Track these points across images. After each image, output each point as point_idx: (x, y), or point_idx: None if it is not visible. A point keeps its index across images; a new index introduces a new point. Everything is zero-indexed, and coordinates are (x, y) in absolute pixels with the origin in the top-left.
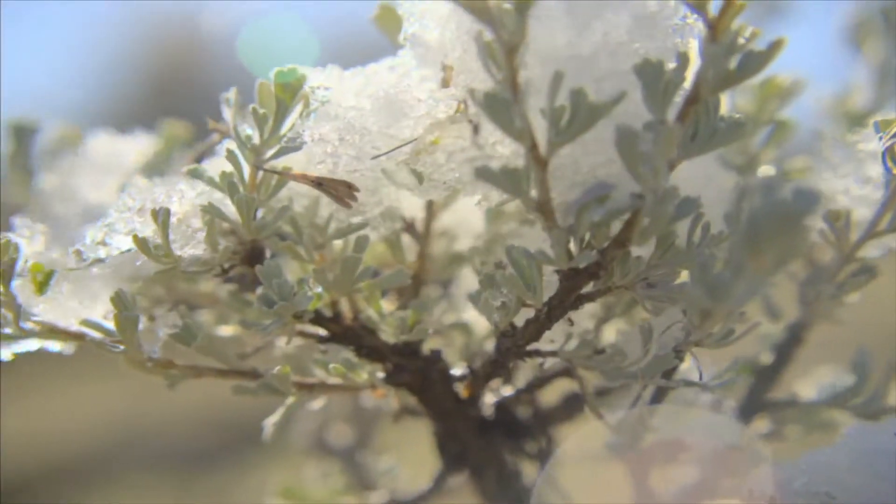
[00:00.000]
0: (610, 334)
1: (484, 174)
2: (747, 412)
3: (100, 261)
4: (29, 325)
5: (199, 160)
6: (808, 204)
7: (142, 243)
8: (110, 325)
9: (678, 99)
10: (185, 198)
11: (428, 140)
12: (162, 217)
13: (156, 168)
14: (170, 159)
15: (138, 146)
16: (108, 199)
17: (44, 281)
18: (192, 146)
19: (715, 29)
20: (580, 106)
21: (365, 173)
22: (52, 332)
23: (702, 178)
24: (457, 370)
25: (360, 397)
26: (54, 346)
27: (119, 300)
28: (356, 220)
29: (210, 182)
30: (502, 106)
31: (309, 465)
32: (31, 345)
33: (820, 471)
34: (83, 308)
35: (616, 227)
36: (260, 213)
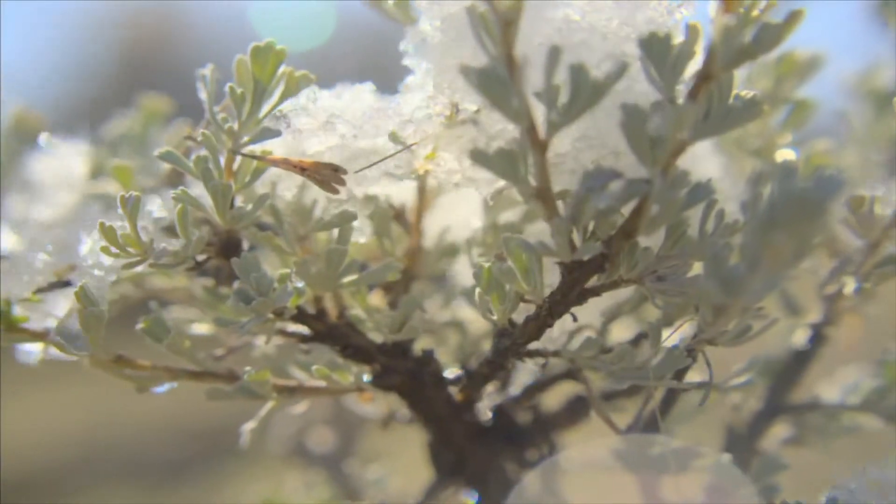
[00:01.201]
0: (617, 332)
1: (478, 158)
2: (766, 416)
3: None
4: None
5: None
6: (829, 190)
7: (108, 232)
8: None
9: (688, 76)
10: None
11: (423, 154)
12: (131, 204)
13: (133, 146)
14: (147, 137)
15: (85, 155)
16: (61, 218)
17: (7, 310)
18: (171, 122)
19: None
20: (581, 83)
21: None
22: (11, 329)
23: (715, 162)
24: (451, 372)
25: (346, 401)
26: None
27: (84, 295)
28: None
29: (183, 166)
30: (498, 83)
31: (291, 474)
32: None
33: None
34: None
35: (623, 215)
36: (238, 202)
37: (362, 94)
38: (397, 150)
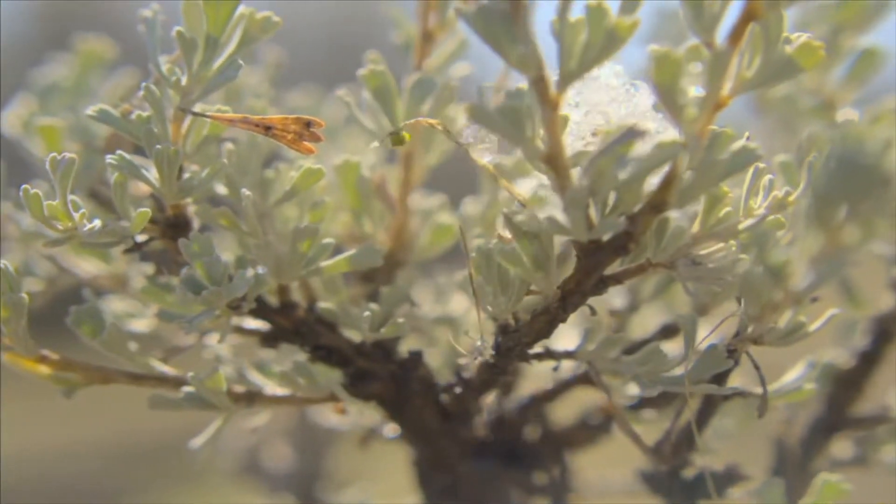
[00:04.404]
0: (642, 327)
1: (477, 115)
2: (823, 431)
3: None
4: None
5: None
6: None
7: (33, 201)
8: None
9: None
10: None
11: None
12: (63, 168)
13: (67, 99)
14: (84, 88)
15: None
16: None
17: None
18: (114, 69)
19: None
20: (598, 24)
21: None
22: None
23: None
24: (442, 378)
25: (316, 413)
26: None
27: (6, 279)
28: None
29: (121, 127)
30: (500, 23)
31: (250, 499)
32: None
33: None
34: None
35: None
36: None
37: None
38: None
